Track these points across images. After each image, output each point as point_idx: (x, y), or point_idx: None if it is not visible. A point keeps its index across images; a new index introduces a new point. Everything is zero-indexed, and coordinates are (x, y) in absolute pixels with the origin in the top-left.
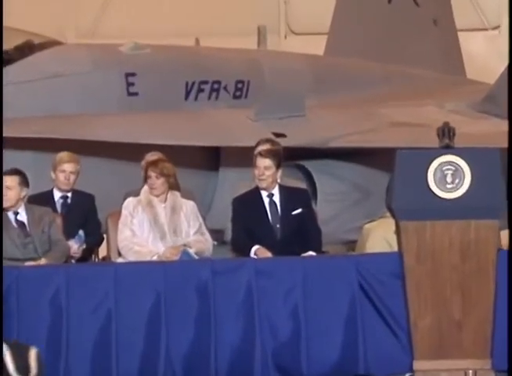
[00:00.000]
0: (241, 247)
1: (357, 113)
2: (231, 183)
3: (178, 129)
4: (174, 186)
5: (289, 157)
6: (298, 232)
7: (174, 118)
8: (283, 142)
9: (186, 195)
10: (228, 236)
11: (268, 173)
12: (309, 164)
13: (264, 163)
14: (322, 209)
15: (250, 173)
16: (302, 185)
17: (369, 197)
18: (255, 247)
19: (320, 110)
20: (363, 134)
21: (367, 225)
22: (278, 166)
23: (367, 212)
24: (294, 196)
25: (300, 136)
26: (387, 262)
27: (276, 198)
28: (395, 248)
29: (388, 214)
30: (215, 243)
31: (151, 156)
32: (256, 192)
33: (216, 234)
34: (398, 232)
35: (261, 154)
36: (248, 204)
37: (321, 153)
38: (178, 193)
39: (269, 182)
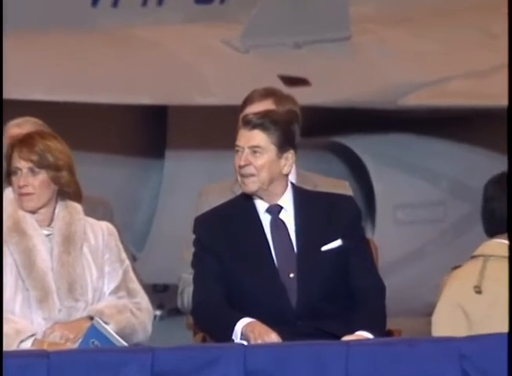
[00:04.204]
0: (214, 321)
1: (461, 36)
2: (189, 184)
3: (78, 70)
4: (70, 190)
5: (315, 128)
6: (335, 288)
7: (70, 46)
8: (303, 98)
9: (97, 210)
10: (185, 297)
11: (259, 162)
12: (357, 144)
13: (251, 140)
14: (388, 240)
15: (231, 163)
16: (343, 188)
17: None
18: (244, 321)
19: (382, 29)
20: (475, 79)
21: (446, 276)
22: (285, 147)
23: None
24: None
25: (338, 85)
26: None
27: (288, 217)
28: (478, 322)
29: (484, 249)
30: (158, 312)
31: (17, 126)
32: (244, 203)
33: (159, 294)
34: None
35: (247, 122)
36: (229, 230)
37: (383, 120)
38: (78, 207)
39: (263, 182)
